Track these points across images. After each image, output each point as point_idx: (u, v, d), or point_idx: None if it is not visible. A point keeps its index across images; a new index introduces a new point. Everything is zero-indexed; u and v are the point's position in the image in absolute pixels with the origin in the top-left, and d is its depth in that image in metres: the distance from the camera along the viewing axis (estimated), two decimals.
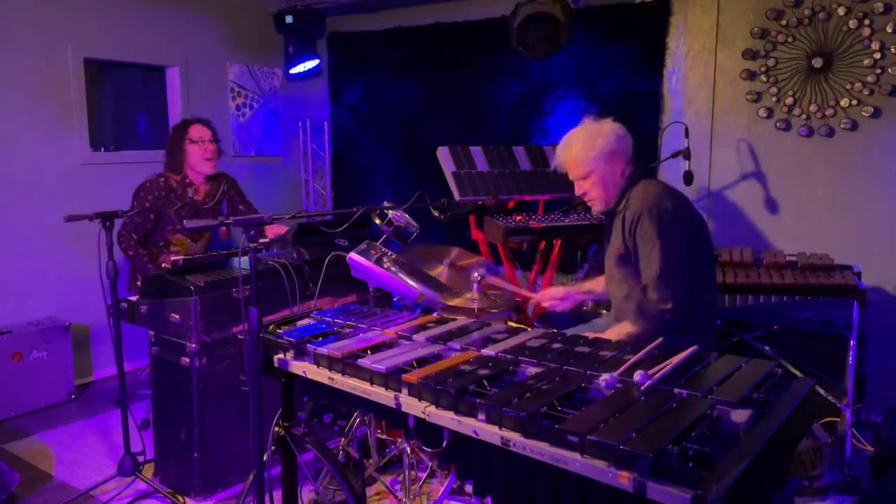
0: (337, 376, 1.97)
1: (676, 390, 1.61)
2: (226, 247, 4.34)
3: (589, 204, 2.64)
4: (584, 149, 2.51)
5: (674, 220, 2.39)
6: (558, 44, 4.10)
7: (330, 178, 5.93)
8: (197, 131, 3.79)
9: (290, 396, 2.32)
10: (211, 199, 3.87)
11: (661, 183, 2.58)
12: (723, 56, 4.09)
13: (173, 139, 3.82)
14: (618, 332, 2.41)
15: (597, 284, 2.88)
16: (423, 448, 2.73)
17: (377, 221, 2.73)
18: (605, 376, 1.67)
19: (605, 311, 3.47)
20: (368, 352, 2.00)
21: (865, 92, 3.66)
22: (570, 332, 2.29)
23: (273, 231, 3.61)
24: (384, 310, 2.55)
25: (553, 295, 2.90)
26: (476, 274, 2.75)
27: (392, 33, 5.38)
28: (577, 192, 2.62)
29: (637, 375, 1.65)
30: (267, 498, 2.24)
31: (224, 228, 3.77)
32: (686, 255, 2.38)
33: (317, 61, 5.42)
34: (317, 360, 2.05)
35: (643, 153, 2.73)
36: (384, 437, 3.11)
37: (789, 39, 3.85)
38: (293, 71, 5.47)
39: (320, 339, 2.14)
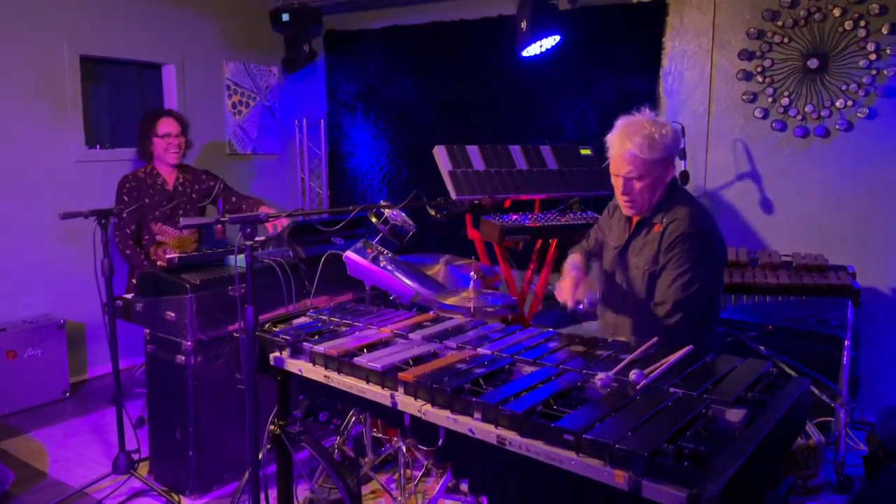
0: (333, 374, 1.97)
1: (672, 389, 1.62)
2: (220, 243, 4.36)
3: (625, 205, 2.39)
4: (648, 146, 2.24)
5: (716, 254, 2.33)
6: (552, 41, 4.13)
7: (326, 176, 5.92)
8: (164, 126, 3.89)
9: (286, 395, 2.32)
10: (183, 188, 3.98)
11: (703, 205, 2.42)
12: (719, 56, 4.10)
13: (142, 130, 3.93)
14: None
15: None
16: (419, 447, 2.73)
17: (373, 220, 2.73)
18: (600, 375, 1.67)
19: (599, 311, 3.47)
20: (364, 350, 2.00)
21: (861, 93, 3.68)
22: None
23: (271, 225, 3.61)
24: (380, 308, 2.55)
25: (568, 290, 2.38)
26: (473, 272, 2.74)
27: (389, 32, 5.38)
28: (620, 190, 2.34)
29: (633, 375, 1.65)
30: (262, 496, 2.25)
31: (220, 226, 3.79)
32: (709, 290, 2.33)
33: (314, 58, 5.41)
34: (313, 358, 2.05)
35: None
36: (380, 435, 3.11)
37: (785, 40, 3.86)
38: (289, 69, 5.46)
39: (316, 337, 2.14)
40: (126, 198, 3.84)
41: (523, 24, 4.15)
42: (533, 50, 4.30)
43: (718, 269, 2.39)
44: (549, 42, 4.27)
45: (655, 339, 1.94)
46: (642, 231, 2.43)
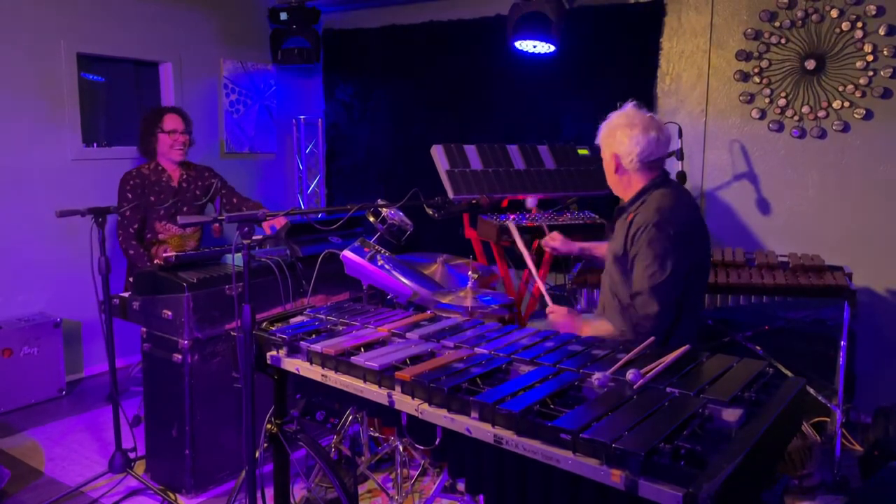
0: (330, 373, 1.97)
1: (668, 389, 1.62)
2: (218, 242, 4.34)
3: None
4: (606, 132, 2.50)
5: (679, 241, 2.33)
6: (549, 42, 4.13)
7: (323, 175, 5.92)
8: (170, 122, 3.90)
9: (283, 393, 2.32)
10: (187, 185, 3.97)
11: (679, 196, 2.46)
12: (716, 57, 4.11)
13: (146, 126, 3.91)
14: (595, 327, 2.41)
15: (599, 249, 2.90)
16: (416, 446, 2.72)
17: (371, 219, 2.73)
18: (597, 375, 1.67)
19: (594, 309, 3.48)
20: (361, 349, 2.00)
21: (857, 94, 3.69)
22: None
23: (269, 225, 3.62)
24: (377, 307, 2.55)
25: (554, 238, 2.99)
26: (470, 272, 2.74)
27: (386, 31, 5.38)
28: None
29: (629, 374, 1.65)
30: (259, 495, 2.24)
31: (217, 225, 3.79)
32: (683, 277, 2.33)
33: (311, 57, 5.41)
34: (310, 357, 2.05)
35: None
36: (376, 434, 3.11)
37: (782, 41, 3.87)
38: (287, 68, 5.46)
39: (313, 336, 2.14)
40: (130, 195, 3.80)
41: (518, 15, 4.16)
42: (527, 47, 4.30)
43: (689, 258, 2.37)
44: (544, 46, 4.28)
45: (652, 338, 1.94)
46: (620, 217, 2.52)
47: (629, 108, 2.47)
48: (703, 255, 2.47)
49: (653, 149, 2.41)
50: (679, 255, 2.32)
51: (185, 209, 3.93)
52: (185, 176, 3.97)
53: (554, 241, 3.00)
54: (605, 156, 2.52)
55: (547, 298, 2.65)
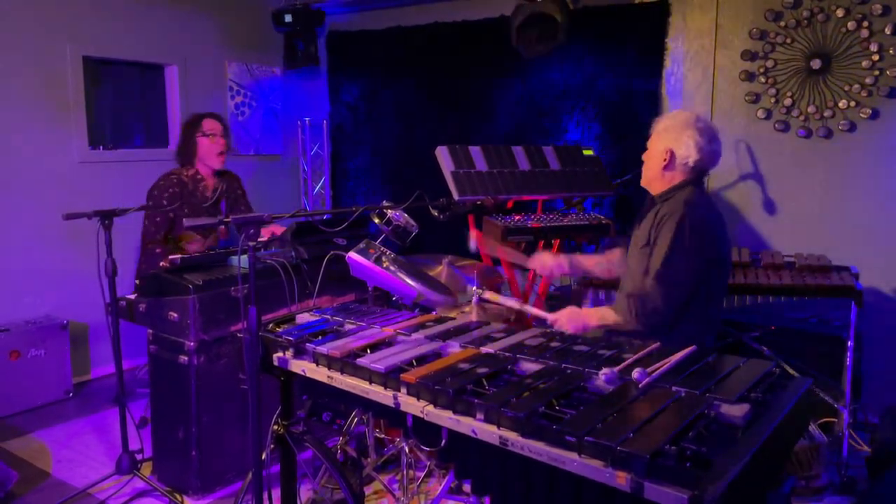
0: (336, 375, 1.97)
1: (674, 389, 1.62)
2: (224, 246, 4.35)
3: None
4: (671, 125, 2.52)
5: (695, 233, 2.36)
6: (554, 42, 4.12)
7: (329, 176, 5.93)
8: (209, 125, 3.85)
9: (289, 395, 2.32)
10: (218, 197, 3.90)
11: (704, 196, 2.53)
12: (721, 57, 4.10)
13: (186, 132, 3.87)
14: (601, 314, 2.44)
15: (589, 262, 2.90)
16: (422, 447, 2.73)
17: (376, 221, 2.73)
18: (604, 370, 1.67)
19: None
20: (367, 350, 2.00)
21: (864, 93, 3.67)
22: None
23: (269, 231, 3.64)
24: (383, 308, 2.55)
25: (544, 262, 2.85)
26: (475, 288, 2.73)
27: (391, 33, 5.38)
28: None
29: (635, 373, 1.65)
30: (265, 496, 2.25)
31: (223, 227, 3.79)
32: (695, 270, 2.37)
33: (316, 59, 5.41)
34: (316, 358, 2.05)
35: (642, 153, 2.70)
36: (382, 436, 3.11)
37: (788, 41, 3.86)
38: (292, 70, 5.47)
39: (319, 337, 2.15)
40: (165, 202, 3.68)
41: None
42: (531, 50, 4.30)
43: (704, 254, 2.39)
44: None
45: (658, 343, 1.94)
46: (650, 210, 2.54)
47: (696, 113, 2.54)
48: (720, 255, 2.48)
49: (710, 160, 2.49)
50: (695, 248, 2.35)
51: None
52: (219, 189, 3.88)
53: (543, 267, 2.86)
54: (658, 148, 2.52)
55: (545, 316, 2.53)
